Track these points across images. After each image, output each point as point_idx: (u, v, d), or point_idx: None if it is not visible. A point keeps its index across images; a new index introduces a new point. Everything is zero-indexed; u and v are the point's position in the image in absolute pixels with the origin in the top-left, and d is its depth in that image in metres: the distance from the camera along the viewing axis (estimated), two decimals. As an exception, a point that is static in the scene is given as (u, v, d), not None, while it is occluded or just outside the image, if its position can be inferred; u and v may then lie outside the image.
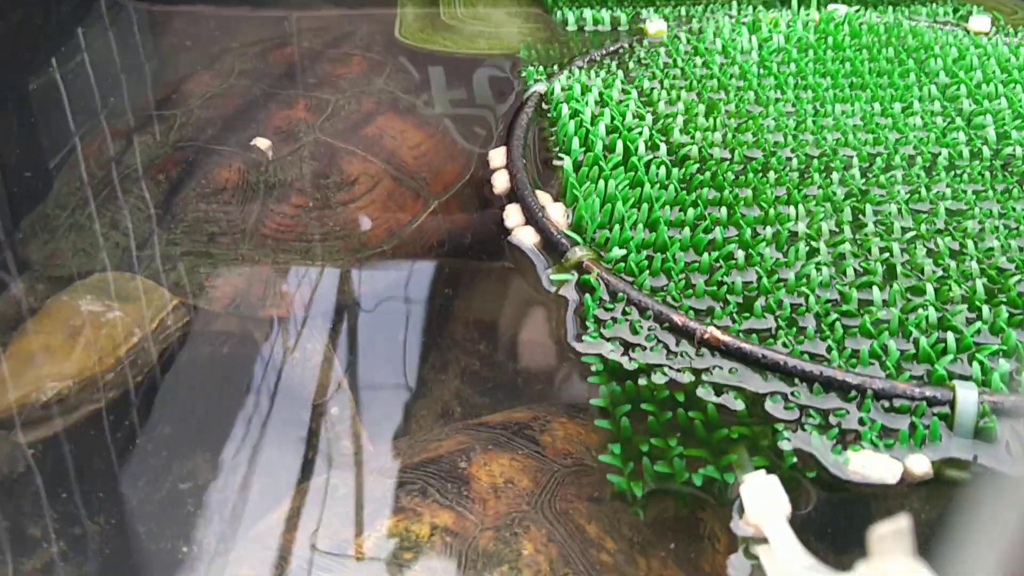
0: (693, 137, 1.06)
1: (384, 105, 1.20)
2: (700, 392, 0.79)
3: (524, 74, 1.22)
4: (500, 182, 1.03)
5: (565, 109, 1.08)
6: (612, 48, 1.26)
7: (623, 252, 0.89)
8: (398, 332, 1.02)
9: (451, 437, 0.79)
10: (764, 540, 0.64)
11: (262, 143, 1.04)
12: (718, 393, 0.79)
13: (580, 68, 1.21)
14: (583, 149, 1.03)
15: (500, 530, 0.68)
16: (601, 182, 0.96)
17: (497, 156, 1.06)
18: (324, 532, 0.71)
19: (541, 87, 1.16)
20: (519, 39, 1.36)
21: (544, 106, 1.15)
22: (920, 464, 0.73)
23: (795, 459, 0.74)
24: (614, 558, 0.68)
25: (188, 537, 0.81)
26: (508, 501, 0.70)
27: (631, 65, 1.23)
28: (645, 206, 0.94)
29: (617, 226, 0.92)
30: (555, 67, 1.23)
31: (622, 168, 0.99)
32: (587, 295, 0.87)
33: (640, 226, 0.92)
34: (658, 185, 0.97)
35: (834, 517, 0.74)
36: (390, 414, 0.93)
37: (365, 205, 1.06)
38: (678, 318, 0.82)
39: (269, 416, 0.93)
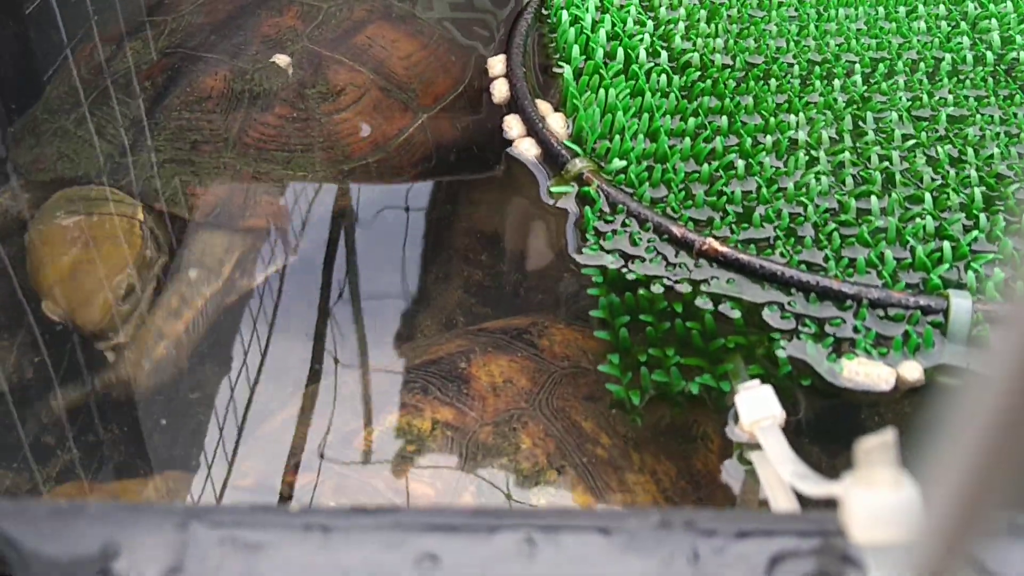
0: (695, 43, 1.05)
1: (376, 13, 1.18)
2: (698, 302, 0.80)
3: (523, -22, 1.20)
4: (500, 91, 1.02)
5: (565, 15, 1.07)
6: (613, -49, 1.23)
7: (623, 163, 0.89)
8: (395, 243, 1.03)
9: (451, 341, 0.82)
10: (758, 446, 0.66)
11: (282, 60, 1.03)
12: (716, 303, 0.80)
13: (580, -28, 1.19)
14: (583, 57, 1.02)
15: (499, 425, 0.71)
16: (601, 91, 0.96)
17: (496, 64, 1.06)
18: (330, 428, 0.74)
19: (541, -8, 1.14)
20: (518, -59, 1.33)
21: (544, 12, 1.13)
22: (913, 371, 0.75)
23: (790, 367, 0.76)
24: (609, 452, 0.70)
25: (199, 442, 0.83)
26: (507, 399, 0.73)
27: (632, -32, 1.20)
28: (646, 116, 0.94)
29: (617, 136, 0.92)
30: (555, -29, 1.21)
31: (623, 77, 0.99)
32: (587, 207, 0.87)
33: (640, 136, 0.92)
34: (659, 94, 0.97)
35: (827, 423, 0.76)
36: (393, 323, 0.94)
37: (350, 116, 1.05)
38: (677, 229, 0.83)
39: (274, 321, 0.95)
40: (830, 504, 0.48)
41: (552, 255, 0.90)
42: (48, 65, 1.25)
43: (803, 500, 0.57)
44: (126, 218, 0.95)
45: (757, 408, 0.63)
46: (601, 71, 0.99)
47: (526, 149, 0.94)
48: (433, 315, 0.95)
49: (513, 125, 0.97)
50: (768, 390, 0.64)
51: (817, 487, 0.46)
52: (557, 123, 0.95)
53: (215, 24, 1.12)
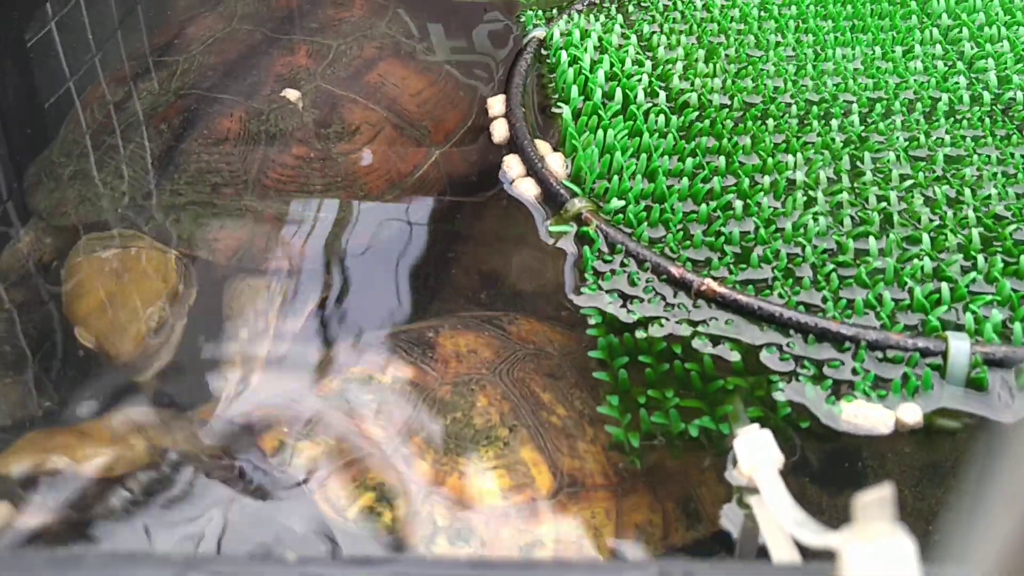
0: (692, 83, 1.06)
1: (386, 51, 1.19)
2: (697, 343, 0.80)
3: (523, 19, 1.21)
4: (499, 131, 1.03)
5: (564, 56, 1.08)
6: (612, -9, 1.25)
7: (622, 203, 0.90)
8: (400, 281, 1.03)
9: (424, 319, 0.87)
10: (755, 491, 0.66)
11: (291, 94, 1.04)
12: (715, 344, 0.80)
13: (579, 12, 1.20)
14: (582, 97, 1.02)
15: (458, 386, 0.74)
16: (600, 132, 0.96)
17: (496, 103, 1.06)
18: (295, 379, 0.79)
19: (540, 32, 1.15)
20: (520, -19, 1.34)
21: (543, 52, 1.14)
22: (912, 414, 0.75)
23: (789, 409, 0.75)
24: (563, 422, 0.73)
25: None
26: (469, 365, 0.76)
27: (631, 8, 1.22)
28: (644, 156, 0.95)
29: (616, 176, 0.92)
30: (554, 11, 1.22)
31: (621, 117, 0.99)
32: (586, 247, 0.87)
33: (639, 176, 0.93)
34: (657, 134, 0.98)
35: (826, 465, 0.76)
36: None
37: (367, 154, 1.06)
38: (676, 270, 0.83)
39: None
40: (830, 554, 0.48)
41: (551, 295, 0.90)
42: (56, 109, 1.26)
43: (803, 546, 0.57)
44: (161, 252, 0.96)
45: (756, 452, 0.63)
46: (600, 111, 1.00)
47: (526, 189, 0.95)
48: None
49: (513, 165, 0.98)
50: (767, 434, 0.64)
51: (815, 537, 0.46)
52: (556, 163, 0.96)
53: (227, 64, 1.13)
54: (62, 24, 1.38)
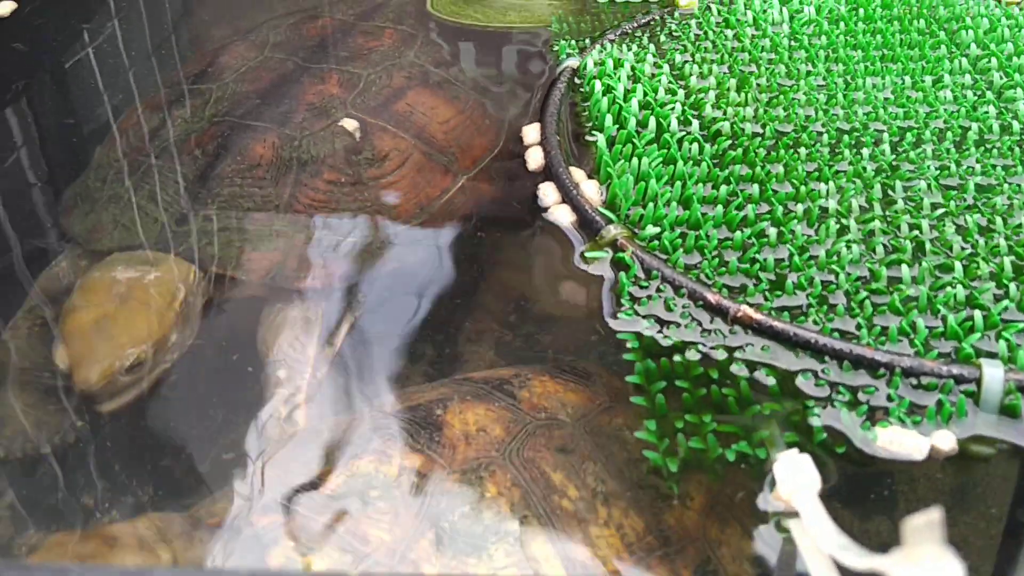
0: (725, 112, 1.08)
1: (415, 80, 1.22)
2: (733, 369, 0.82)
3: (556, 48, 1.23)
4: (534, 159, 1.05)
5: (598, 85, 1.10)
6: (644, 20, 1.27)
7: (657, 230, 0.91)
8: (429, 305, 1.05)
9: (435, 389, 0.84)
10: (794, 515, 0.67)
11: (349, 124, 1.06)
12: (751, 370, 0.81)
13: (612, 42, 1.22)
14: (616, 126, 1.04)
15: (466, 473, 0.72)
16: (635, 160, 0.98)
17: (531, 132, 1.08)
18: (300, 471, 0.76)
19: (574, 62, 1.17)
20: (550, 12, 1.37)
21: (577, 81, 1.16)
22: (946, 440, 0.76)
23: (824, 435, 0.76)
24: (575, 505, 0.71)
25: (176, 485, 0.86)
26: (478, 447, 0.74)
27: (663, 38, 1.24)
28: (678, 183, 0.96)
29: (651, 204, 0.94)
30: (587, 41, 1.25)
31: (655, 145, 1.01)
32: (622, 273, 0.89)
33: (673, 203, 0.94)
34: (691, 162, 0.99)
35: (861, 490, 0.77)
36: (418, 380, 0.96)
37: (395, 180, 1.08)
38: (712, 296, 0.84)
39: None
40: (871, 576, 0.49)
41: (586, 319, 0.92)
42: (91, 135, 1.29)
43: (842, 570, 0.58)
44: (171, 290, 0.97)
45: (795, 476, 0.64)
46: (634, 140, 1.02)
47: (561, 216, 0.96)
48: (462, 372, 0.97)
49: (548, 192, 0.99)
50: (807, 458, 0.65)
51: (860, 560, 0.47)
52: (591, 190, 0.97)
53: (260, 92, 1.16)
54: (97, 52, 1.41)
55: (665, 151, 1.00)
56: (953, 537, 0.75)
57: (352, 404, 0.96)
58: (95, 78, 1.37)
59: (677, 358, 0.83)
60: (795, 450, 0.68)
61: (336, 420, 0.85)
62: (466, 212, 1.09)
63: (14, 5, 1.31)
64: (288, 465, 0.79)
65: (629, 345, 0.84)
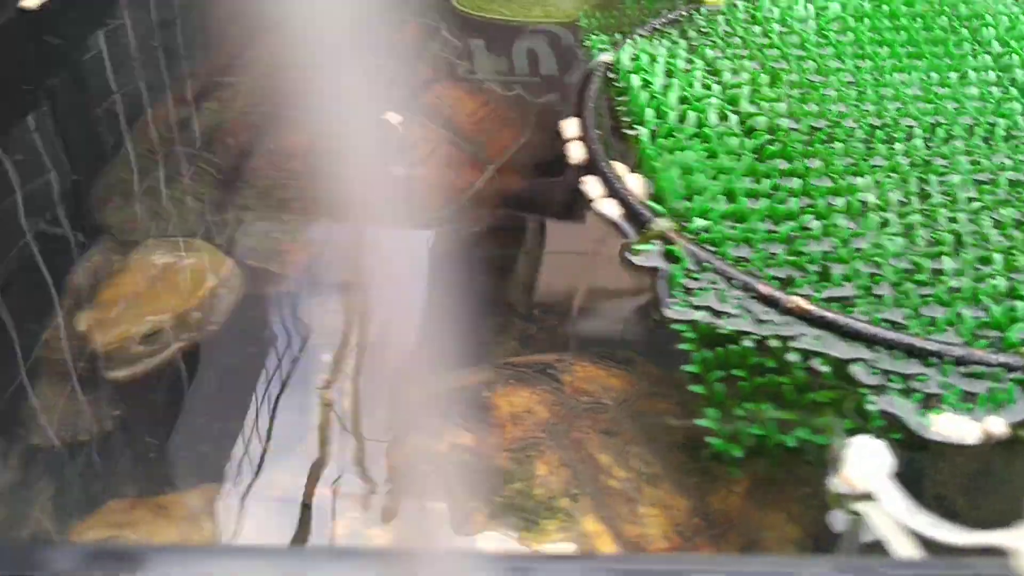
0: (760, 107, 1.10)
1: (441, 72, 1.23)
2: (788, 358, 0.84)
3: (588, 43, 1.25)
4: (576, 152, 1.06)
5: (636, 80, 1.12)
6: (672, 16, 1.29)
7: (705, 223, 0.93)
8: (462, 294, 1.06)
9: (478, 372, 0.85)
10: (863, 498, 0.69)
11: (393, 118, 1.07)
12: (805, 359, 0.83)
13: (643, 37, 1.24)
14: (657, 120, 1.06)
15: (515, 452, 0.74)
16: (679, 153, 1.00)
17: (570, 126, 1.10)
18: (355, 446, 0.78)
19: (607, 56, 1.19)
20: (575, 7, 1.38)
21: (611, 76, 1.18)
22: (998, 426, 0.78)
23: (881, 421, 0.79)
24: (622, 485, 0.73)
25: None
26: (525, 428, 0.76)
27: (692, 34, 1.26)
28: (722, 176, 0.98)
29: (697, 196, 0.96)
30: (617, 35, 1.26)
31: (696, 139, 1.03)
32: (673, 265, 0.91)
33: (719, 197, 0.96)
34: (732, 156, 1.01)
35: (916, 474, 0.79)
36: (430, 369, 0.98)
37: (425, 172, 1.10)
38: (763, 288, 0.87)
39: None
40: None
41: (629, 309, 0.94)
42: (118, 128, 1.29)
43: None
44: (201, 276, 0.98)
45: (869, 460, 0.66)
46: (675, 133, 1.03)
47: (607, 209, 0.98)
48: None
49: (592, 186, 1.01)
50: (879, 443, 0.68)
51: (961, 536, 0.49)
52: (635, 183, 0.99)
53: (290, 85, 1.16)
54: (123, 45, 1.42)
55: (707, 145, 1.02)
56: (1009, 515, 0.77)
57: (390, 389, 0.98)
58: (122, 71, 1.37)
59: (732, 347, 0.84)
60: (867, 436, 0.70)
61: (383, 400, 0.87)
62: (496, 202, 1.11)
63: (43, -3, 1.31)
64: (342, 440, 0.81)
65: (684, 335, 0.86)
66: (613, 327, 0.97)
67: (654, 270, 0.93)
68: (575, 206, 1.04)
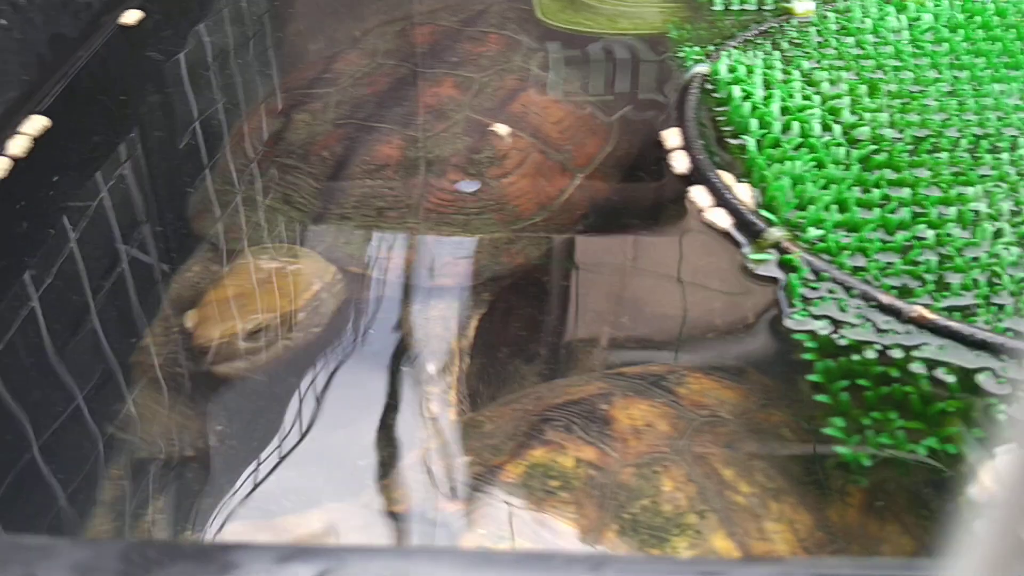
0: (862, 118, 1.10)
1: (526, 82, 1.24)
2: (912, 367, 0.83)
3: (682, 55, 1.26)
4: (680, 162, 1.07)
5: (737, 90, 1.12)
6: (763, 28, 1.29)
7: (820, 232, 0.93)
8: (556, 302, 1.07)
9: (591, 383, 0.85)
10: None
11: (501, 129, 1.09)
12: (930, 368, 0.83)
13: (736, 48, 1.24)
14: (762, 131, 1.06)
15: (641, 467, 0.73)
16: (788, 163, 1.00)
17: (671, 137, 1.10)
18: (474, 459, 0.78)
19: (703, 67, 1.20)
20: (661, 19, 1.39)
21: (708, 87, 1.18)
22: None
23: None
24: (748, 500, 0.73)
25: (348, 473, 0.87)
26: (648, 442, 0.75)
27: (784, 45, 1.26)
28: (832, 187, 0.98)
29: (811, 206, 0.96)
30: (710, 47, 1.27)
31: (803, 149, 1.03)
32: (791, 274, 0.91)
33: (832, 207, 0.96)
34: (841, 166, 1.01)
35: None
36: (546, 374, 0.98)
37: (516, 179, 1.11)
38: (884, 297, 0.86)
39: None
40: None
41: (748, 320, 0.94)
42: (209, 131, 1.31)
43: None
44: (307, 281, 1.00)
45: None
46: (782, 143, 1.04)
47: (717, 218, 0.98)
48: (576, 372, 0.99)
49: (699, 195, 1.01)
50: (1028, 453, 0.67)
51: None
52: (743, 193, 0.99)
53: (379, 96, 1.18)
54: (207, 56, 1.44)
55: (814, 155, 1.02)
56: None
57: (490, 399, 0.99)
58: (215, 84, 1.40)
59: (855, 357, 0.84)
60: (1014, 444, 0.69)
61: (492, 411, 0.88)
62: (584, 209, 1.12)
63: (141, 14, 1.34)
64: (458, 453, 0.81)
65: (806, 345, 0.86)
66: (724, 337, 0.97)
67: (769, 279, 0.93)
68: (679, 214, 1.05)
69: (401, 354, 1.02)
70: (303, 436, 0.95)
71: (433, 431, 0.94)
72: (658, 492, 0.72)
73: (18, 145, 1.11)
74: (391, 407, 0.98)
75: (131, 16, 1.35)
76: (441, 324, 1.03)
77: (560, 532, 0.71)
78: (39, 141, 1.14)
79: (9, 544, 0.41)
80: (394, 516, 0.78)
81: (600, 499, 0.72)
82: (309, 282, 1.00)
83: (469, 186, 1.10)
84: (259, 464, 0.95)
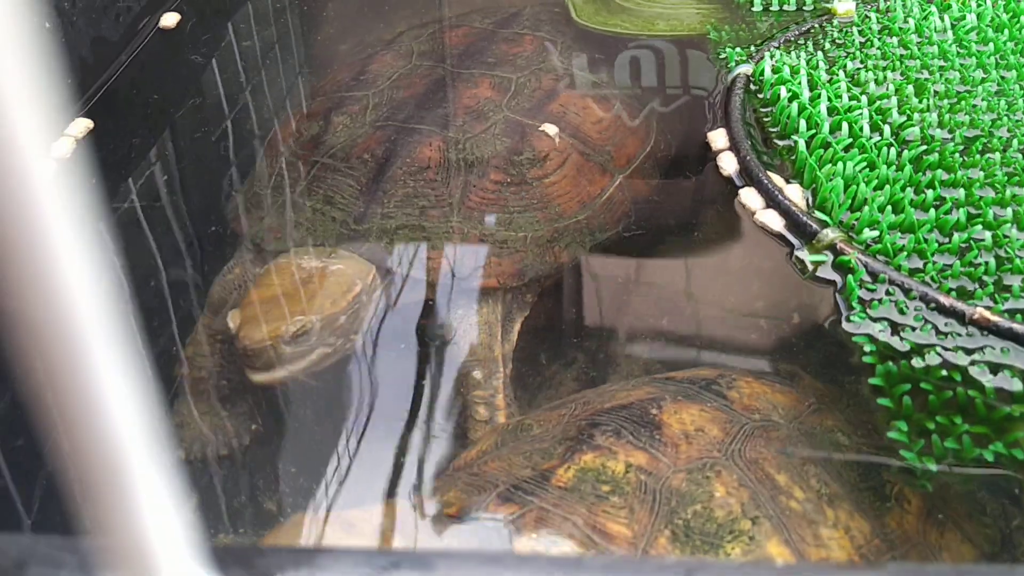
0: (911, 118, 1.08)
1: (563, 82, 1.23)
2: (975, 371, 0.82)
3: (724, 55, 1.24)
4: (728, 164, 1.06)
5: (783, 91, 1.11)
6: (804, 28, 1.28)
7: (875, 233, 0.92)
8: (600, 302, 1.06)
9: (640, 388, 0.84)
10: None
11: (550, 129, 1.08)
12: (994, 372, 0.82)
13: (778, 49, 1.23)
14: (811, 131, 1.05)
15: (692, 472, 0.72)
16: (839, 164, 0.99)
17: (718, 138, 1.09)
18: (524, 463, 0.77)
19: (746, 68, 1.18)
20: (699, 21, 1.38)
21: (752, 87, 1.17)
22: None
23: (1081, 436, 0.77)
24: (802, 506, 0.71)
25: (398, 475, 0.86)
26: (699, 447, 0.74)
27: (827, 45, 1.24)
28: (886, 188, 0.97)
29: (865, 207, 0.94)
30: (751, 48, 1.25)
31: (855, 150, 1.02)
32: (849, 276, 0.89)
33: (886, 208, 0.95)
34: (893, 167, 1.00)
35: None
36: (584, 379, 0.97)
37: (558, 180, 1.10)
38: (945, 299, 0.85)
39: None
40: None
41: (801, 323, 0.93)
42: (246, 134, 1.31)
43: None
44: (348, 281, 0.99)
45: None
46: (832, 144, 1.02)
47: (768, 219, 0.97)
48: (623, 373, 0.98)
49: (750, 196, 1.00)
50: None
51: None
52: (795, 194, 0.98)
53: (417, 98, 1.18)
54: (245, 58, 1.43)
55: (865, 156, 1.01)
56: None
57: (531, 404, 0.97)
58: (252, 86, 1.39)
59: (916, 361, 0.83)
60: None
61: (539, 415, 0.87)
62: (626, 209, 1.11)
63: (179, 17, 1.34)
64: (510, 457, 0.80)
65: (865, 348, 0.85)
66: (779, 341, 0.96)
67: (825, 281, 0.92)
68: (729, 216, 1.03)
69: (445, 358, 1.01)
70: (351, 438, 0.94)
71: (481, 434, 0.93)
72: (710, 497, 0.71)
73: (62, 146, 1.11)
74: (436, 411, 0.97)
75: (169, 19, 1.34)
76: (487, 331, 1.02)
77: (612, 537, 0.70)
78: (82, 142, 1.14)
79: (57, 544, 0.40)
80: (448, 518, 0.77)
81: (652, 504, 0.71)
82: (350, 283, 0.99)
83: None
84: (306, 464, 0.94)
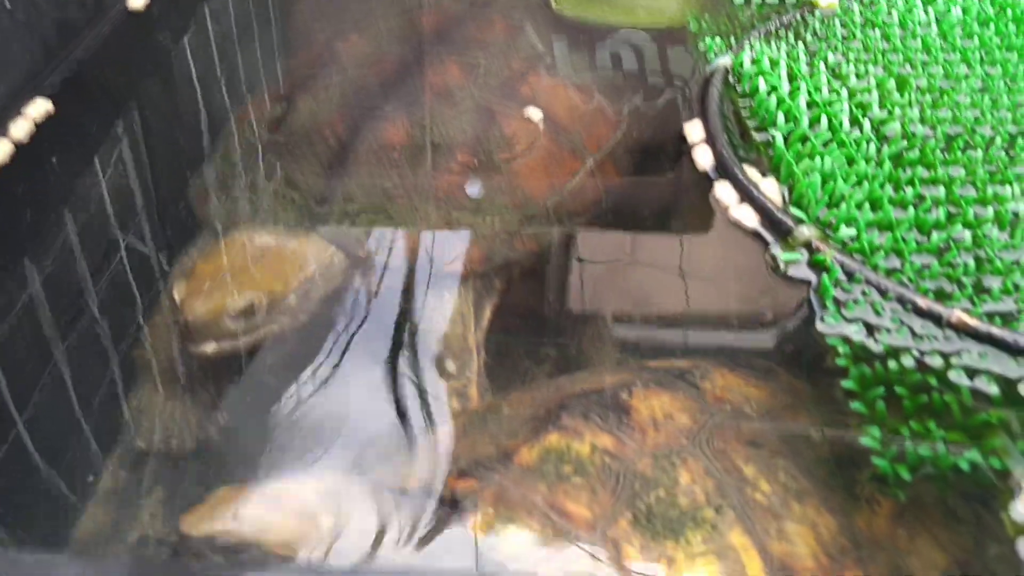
0: (892, 113, 1.05)
1: (533, 65, 1.20)
2: (952, 376, 0.79)
3: (703, 46, 1.21)
4: (703, 157, 1.02)
5: (762, 83, 1.08)
6: (785, 20, 1.25)
7: (853, 231, 0.89)
8: (570, 290, 1.03)
9: (614, 374, 0.83)
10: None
11: (535, 114, 1.05)
12: (971, 377, 0.79)
13: (758, 40, 1.20)
14: (789, 125, 1.02)
15: (658, 458, 0.71)
16: (817, 159, 0.96)
17: (694, 130, 1.06)
18: (488, 442, 0.76)
19: (726, 59, 1.15)
20: (679, 11, 1.35)
21: (731, 79, 1.14)
22: None
23: (1060, 444, 0.74)
24: (768, 499, 0.70)
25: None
26: (667, 434, 0.73)
27: (808, 38, 1.21)
28: (865, 184, 0.94)
29: (843, 204, 0.91)
30: (731, 39, 1.22)
31: (833, 145, 0.99)
32: (824, 275, 0.86)
33: (865, 205, 0.92)
34: (872, 163, 0.97)
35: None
36: (557, 370, 0.95)
37: (526, 163, 1.07)
38: (922, 301, 0.82)
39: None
40: None
41: (777, 320, 0.90)
42: (211, 115, 1.27)
43: None
44: (302, 262, 0.96)
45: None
46: (810, 138, 0.99)
47: (743, 215, 0.94)
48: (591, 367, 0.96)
49: (724, 191, 0.97)
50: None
51: None
52: (771, 189, 0.95)
53: (384, 80, 1.14)
54: (215, 43, 1.40)
55: (844, 151, 0.98)
56: None
57: (510, 387, 0.94)
58: (220, 68, 1.35)
59: (891, 363, 0.80)
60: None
61: (511, 398, 0.85)
62: (596, 195, 1.08)
63: (146, -1, 1.30)
64: (475, 435, 0.78)
65: (839, 350, 0.82)
66: (752, 335, 0.93)
67: (798, 279, 0.89)
68: (702, 210, 1.00)
69: (417, 347, 0.98)
70: (301, 414, 0.91)
71: (450, 412, 0.90)
72: (675, 484, 0.69)
73: (21, 128, 1.07)
74: (397, 392, 0.93)
75: (138, 1, 1.30)
76: (459, 320, 0.99)
77: (572, 516, 0.68)
78: (42, 125, 1.10)
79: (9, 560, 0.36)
80: (402, 491, 0.74)
81: (614, 487, 0.69)
82: (304, 262, 0.95)
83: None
84: (254, 446, 0.91)
